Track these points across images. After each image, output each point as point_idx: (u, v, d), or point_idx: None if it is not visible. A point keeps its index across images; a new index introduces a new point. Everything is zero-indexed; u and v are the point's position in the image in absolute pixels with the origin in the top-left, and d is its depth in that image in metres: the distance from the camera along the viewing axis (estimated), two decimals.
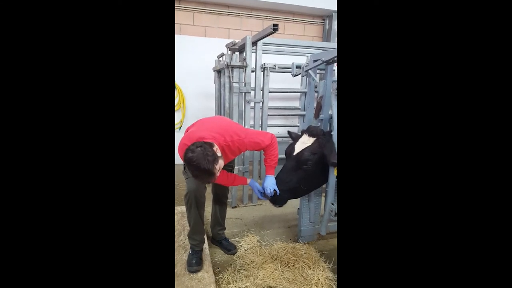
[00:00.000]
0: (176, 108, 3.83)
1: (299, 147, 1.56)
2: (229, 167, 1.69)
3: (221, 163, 1.26)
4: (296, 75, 1.81)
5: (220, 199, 1.83)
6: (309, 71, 1.67)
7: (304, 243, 1.90)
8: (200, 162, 1.17)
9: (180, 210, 2.19)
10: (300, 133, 1.66)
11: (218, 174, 1.26)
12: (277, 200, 1.58)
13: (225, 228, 1.93)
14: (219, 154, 1.26)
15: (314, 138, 1.55)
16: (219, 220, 1.88)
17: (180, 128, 3.82)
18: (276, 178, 1.56)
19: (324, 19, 4.25)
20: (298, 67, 1.78)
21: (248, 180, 1.61)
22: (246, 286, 1.52)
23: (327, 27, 4.23)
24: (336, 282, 1.56)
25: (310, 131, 1.58)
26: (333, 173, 1.53)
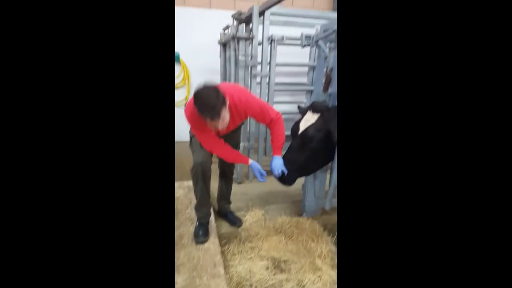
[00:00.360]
0: (181, 84, 3.77)
1: (303, 125, 1.53)
2: (232, 140, 1.69)
3: (227, 115, 1.26)
4: (305, 46, 1.73)
5: (226, 174, 1.84)
6: (319, 41, 1.59)
7: (308, 218, 1.93)
8: (209, 97, 1.17)
9: (187, 184, 2.23)
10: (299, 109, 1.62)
11: (221, 123, 1.25)
12: (286, 180, 1.57)
13: (230, 202, 1.96)
14: (227, 104, 1.25)
15: (318, 114, 1.50)
16: (225, 194, 1.90)
17: (185, 105, 3.78)
18: (283, 158, 1.54)
19: None
20: (308, 37, 1.70)
21: (250, 161, 1.57)
22: (251, 257, 1.56)
23: None
24: None
25: (313, 107, 1.54)
26: None
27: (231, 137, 1.67)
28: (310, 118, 1.52)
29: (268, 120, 1.47)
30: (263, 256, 1.57)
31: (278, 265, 1.52)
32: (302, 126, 1.53)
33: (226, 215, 1.93)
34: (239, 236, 1.76)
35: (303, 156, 1.52)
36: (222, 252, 1.58)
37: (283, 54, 2.99)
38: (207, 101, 1.17)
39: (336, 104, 1.63)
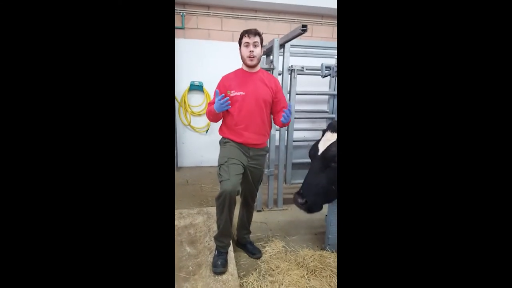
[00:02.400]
0: (204, 112, 3.92)
1: (323, 145, 1.46)
2: (258, 169, 1.68)
3: (259, 50, 1.59)
4: (325, 76, 1.75)
5: (248, 203, 1.81)
6: None
7: (332, 251, 1.81)
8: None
9: (206, 211, 2.21)
10: (322, 132, 1.58)
11: (254, 48, 1.56)
12: (312, 207, 1.46)
13: (250, 232, 1.90)
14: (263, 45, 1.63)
15: None
16: (245, 223, 1.86)
17: (207, 131, 3.89)
18: (304, 182, 1.48)
19: None
20: (327, 67, 1.73)
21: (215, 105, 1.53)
22: None
23: None
24: None
25: (332, 127, 1.48)
26: None
27: (257, 163, 1.67)
28: (330, 138, 1.44)
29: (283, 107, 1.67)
30: None
31: None
32: (322, 147, 1.46)
33: (246, 245, 1.87)
34: (258, 269, 1.68)
35: (325, 177, 1.41)
36: (241, 285, 1.50)
37: (303, 83, 3.05)
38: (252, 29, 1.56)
39: None
